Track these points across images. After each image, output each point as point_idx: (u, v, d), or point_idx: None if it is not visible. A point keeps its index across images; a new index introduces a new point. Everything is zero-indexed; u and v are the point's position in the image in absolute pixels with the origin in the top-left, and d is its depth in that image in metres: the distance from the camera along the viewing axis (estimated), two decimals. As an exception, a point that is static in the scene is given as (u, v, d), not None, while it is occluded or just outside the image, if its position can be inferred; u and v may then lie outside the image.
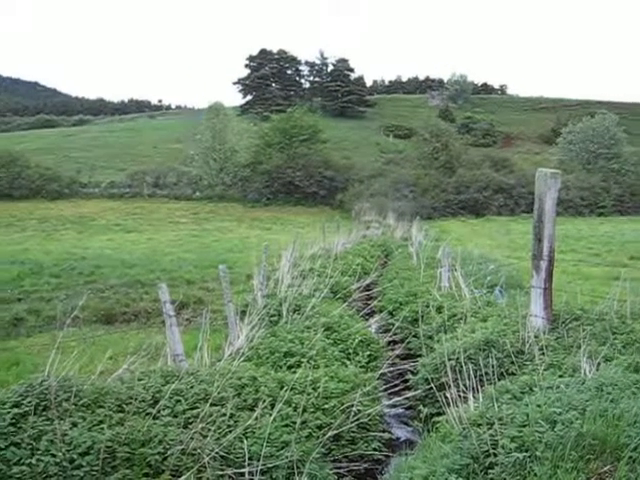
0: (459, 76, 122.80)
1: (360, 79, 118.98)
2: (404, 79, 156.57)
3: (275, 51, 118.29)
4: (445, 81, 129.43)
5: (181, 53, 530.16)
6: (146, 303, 15.91)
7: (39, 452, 5.24)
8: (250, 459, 5.44)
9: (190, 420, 5.89)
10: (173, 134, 79.51)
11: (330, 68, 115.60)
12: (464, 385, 6.36)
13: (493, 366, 6.66)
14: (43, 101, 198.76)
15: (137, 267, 20.93)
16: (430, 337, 9.74)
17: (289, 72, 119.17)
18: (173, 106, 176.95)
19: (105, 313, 15.06)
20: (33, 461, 5.16)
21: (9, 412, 5.60)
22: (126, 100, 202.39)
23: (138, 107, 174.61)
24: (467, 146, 76.10)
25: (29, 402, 5.71)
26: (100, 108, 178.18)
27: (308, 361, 7.95)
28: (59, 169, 58.18)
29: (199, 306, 14.38)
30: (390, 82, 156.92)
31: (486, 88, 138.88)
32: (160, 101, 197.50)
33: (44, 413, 5.65)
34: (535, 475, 4.58)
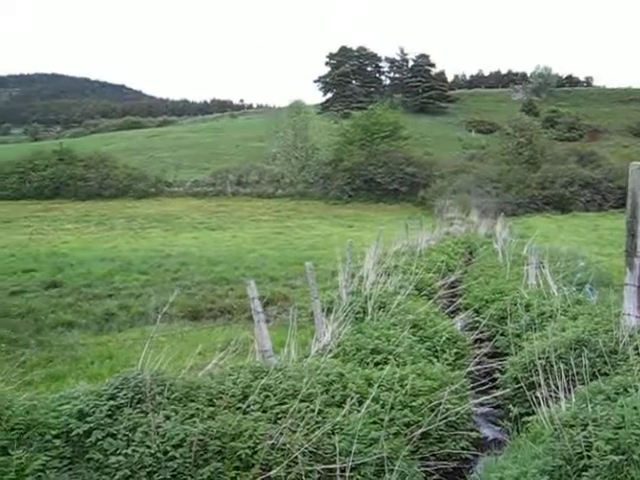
0: (543, 69, 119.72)
1: (441, 74, 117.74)
2: (486, 73, 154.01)
3: (355, 48, 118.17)
4: (528, 74, 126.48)
5: (262, 53, 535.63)
6: (231, 300, 16.15)
7: (134, 443, 5.39)
8: (339, 455, 5.45)
9: (279, 415, 5.94)
10: (255, 133, 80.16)
11: (411, 64, 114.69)
12: (555, 385, 6.22)
13: (585, 366, 6.47)
14: (129, 103, 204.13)
15: (222, 264, 21.26)
16: (518, 335, 9.56)
17: (369, 69, 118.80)
18: (255, 105, 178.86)
19: (192, 309, 15.36)
20: (129, 452, 5.32)
21: (105, 404, 5.78)
22: (209, 100, 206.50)
23: (220, 107, 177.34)
24: (552, 140, 74.26)
25: (124, 395, 5.88)
26: (184, 109, 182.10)
27: (395, 358, 7.91)
28: (145, 169, 59.48)
29: (283, 303, 14.52)
30: (472, 77, 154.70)
31: (571, 80, 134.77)
32: (242, 101, 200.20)
33: (138, 406, 5.80)
34: (632, 479, 4.45)
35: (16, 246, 28.44)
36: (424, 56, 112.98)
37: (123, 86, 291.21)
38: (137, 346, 11.78)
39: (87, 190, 53.41)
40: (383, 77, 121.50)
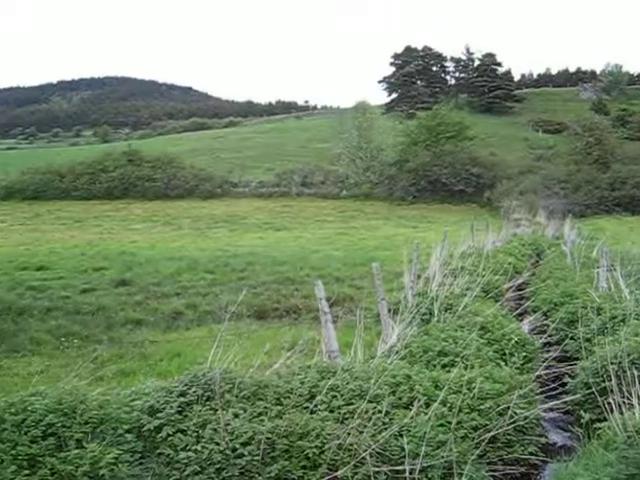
0: (613, 66, 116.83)
1: (507, 73, 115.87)
2: (554, 72, 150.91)
3: (420, 48, 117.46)
4: (598, 72, 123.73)
5: (326, 54, 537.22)
6: (296, 300, 16.19)
7: (204, 440, 5.47)
8: (407, 457, 5.42)
9: (346, 416, 5.95)
10: (319, 134, 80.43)
11: (476, 63, 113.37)
12: (628, 391, 6.07)
13: (661, 372, 6.30)
14: (196, 105, 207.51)
15: (287, 264, 21.37)
16: (589, 340, 9.33)
17: (434, 69, 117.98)
18: (319, 106, 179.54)
19: (258, 309, 15.46)
20: (198, 448, 5.40)
21: (176, 400, 5.89)
22: (274, 102, 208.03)
23: (285, 108, 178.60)
24: (622, 140, 72.40)
25: (194, 392, 5.98)
26: (249, 110, 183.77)
27: (462, 361, 7.83)
28: (211, 169, 60.20)
29: (349, 304, 14.50)
30: (539, 75, 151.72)
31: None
32: (306, 102, 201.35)
33: (208, 403, 5.89)
34: None
35: (87, 245, 29.17)
36: (490, 55, 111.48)
37: (190, 88, 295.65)
38: (204, 344, 11.95)
39: (155, 190, 54.36)
40: (448, 77, 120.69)
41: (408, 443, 5.53)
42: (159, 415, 5.72)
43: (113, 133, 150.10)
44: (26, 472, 4.96)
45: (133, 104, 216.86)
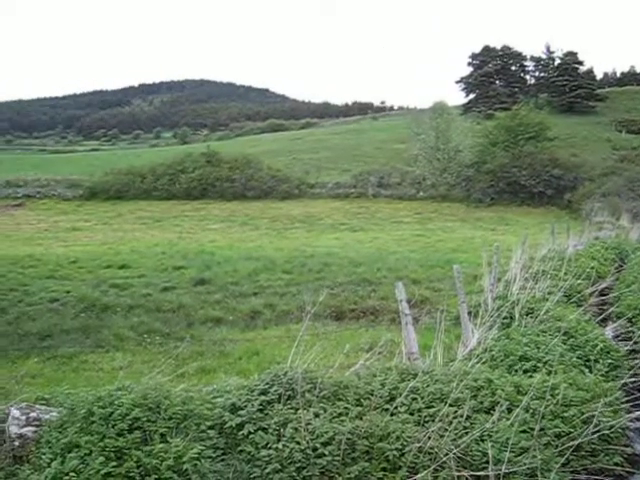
0: None
1: (589, 72, 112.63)
2: (638, 70, 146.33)
3: (499, 47, 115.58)
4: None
5: (403, 55, 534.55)
6: (373, 301, 16.15)
7: (285, 438, 5.52)
8: (488, 462, 5.36)
9: (426, 419, 5.93)
10: (396, 135, 79.97)
11: (557, 62, 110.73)
12: None
13: None
14: (273, 106, 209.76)
15: (363, 266, 21.33)
16: (679, 348, 9.04)
17: (513, 68, 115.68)
18: (395, 107, 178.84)
19: (335, 309, 15.49)
20: (279, 446, 5.45)
21: (257, 399, 5.96)
22: (350, 103, 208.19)
23: (361, 109, 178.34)
24: None
25: (275, 391, 6.04)
26: (325, 111, 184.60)
27: (545, 366, 7.68)
28: (288, 170, 60.61)
29: (426, 306, 14.38)
30: (622, 74, 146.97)
31: None
32: (383, 103, 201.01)
33: (288, 402, 5.94)
34: None
35: (167, 244, 29.80)
36: (572, 54, 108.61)
37: (267, 90, 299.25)
38: (282, 343, 12.07)
39: (233, 191, 55.02)
40: (528, 76, 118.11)
41: (490, 448, 5.46)
42: (240, 413, 5.80)
43: (192, 135, 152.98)
44: (113, 464, 5.10)
45: (212, 106, 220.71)
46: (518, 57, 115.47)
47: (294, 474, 5.28)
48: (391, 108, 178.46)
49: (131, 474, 5.10)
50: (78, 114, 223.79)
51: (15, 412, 5.74)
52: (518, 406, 6.13)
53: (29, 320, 14.90)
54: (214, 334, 13.50)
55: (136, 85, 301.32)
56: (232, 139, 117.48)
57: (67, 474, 5.00)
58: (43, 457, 5.30)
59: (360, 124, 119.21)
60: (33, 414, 5.75)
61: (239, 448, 5.60)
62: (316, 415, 5.78)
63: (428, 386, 6.43)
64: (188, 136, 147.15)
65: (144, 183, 55.53)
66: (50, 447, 5.39)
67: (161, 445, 5.30)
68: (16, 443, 5.52)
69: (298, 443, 5.44)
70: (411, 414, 6.01)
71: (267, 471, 5.31)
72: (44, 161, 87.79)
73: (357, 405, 6.07)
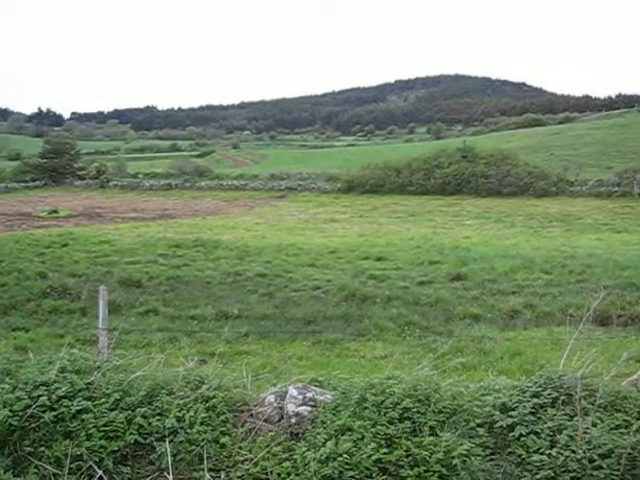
0: None
1: None
2: None
3: None
4: None
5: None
6: (643, 307, 15.11)
7: (559, 445, 5.30)
8: None
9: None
10: (670, 129, 74.26)
11: None
12: None
13: None
14: (529, 100, 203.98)
15: (630, 269, 19.96)
16: None
17: None
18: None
19: (600, 314, 14.67)
20: (553, 453, 5.25)
21: (529, 401, 5.80)
22: (614, 95, 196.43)
23: (627, 102, 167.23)
24: None
25: (548, 394, 5.83)
26: (586, 105, 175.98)
27: None
28: (545, 167, 58.53)
29: None
30: None
31: None
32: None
33: (563, 407, 5.70)
34: None
35: (422, 238, 30.04)
36: None
37: (523, 84, 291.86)
38: (543, 345, 11.71)
39: (487, 187, 54.18)
40: None
41: None
42: (511, 414, 5.67)
43: (446, 130, 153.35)
44: (384, 451, 5.24)
45: (466, 101, 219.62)
46: None
47: (568, 483, 5.08)
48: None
49: (400, 463, 5.20)
50: (336, 111, 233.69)
51: (293, 391, 6.07)
52: None
53: (294, 305, 15.81)
54: (473, 331, 13.41)
55: (392, 81, 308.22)
56: (486, 134, 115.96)
57: (341, 455, 5.22)
58: (318, 437, 5.55)
59: (625, 118, 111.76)
60: (309, 394, 6.04)
61: (509, 450, 5.48)
62: (593, 424, 5.49)
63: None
64: (442, 131, 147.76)
65: (399, 177, 56.52)
66: (325, 427, 5.64)
67: (430, 438, 5.34)
68: (293, 420, 5.83)
69: (573, 452, 5.20)
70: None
71: (538, 477, 5.15)
72: (304, 156, 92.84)
73: (638, 418, 5.67)
